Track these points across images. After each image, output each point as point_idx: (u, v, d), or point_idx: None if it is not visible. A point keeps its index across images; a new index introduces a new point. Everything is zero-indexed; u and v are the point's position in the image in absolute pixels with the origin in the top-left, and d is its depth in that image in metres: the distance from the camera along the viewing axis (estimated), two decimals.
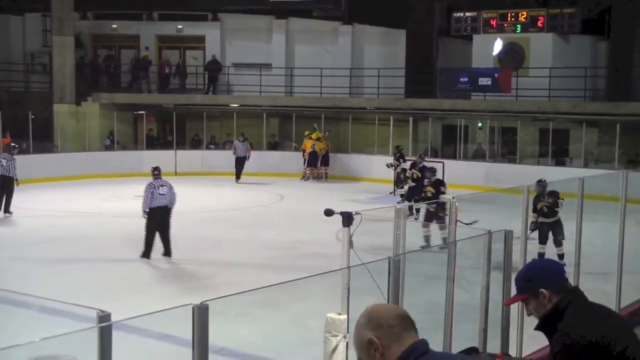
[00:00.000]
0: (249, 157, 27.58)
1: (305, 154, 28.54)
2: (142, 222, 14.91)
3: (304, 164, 28.50)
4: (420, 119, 29.40)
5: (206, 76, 32.25)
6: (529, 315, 3.73)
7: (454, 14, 29.17)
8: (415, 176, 19.51)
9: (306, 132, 29.04)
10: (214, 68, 31.85)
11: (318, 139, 28.65)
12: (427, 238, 15.11)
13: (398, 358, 2.75)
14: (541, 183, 14.42)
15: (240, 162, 27.43)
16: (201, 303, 3.70)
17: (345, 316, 6.91)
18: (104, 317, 3.65)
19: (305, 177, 28.27)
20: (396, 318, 2.80)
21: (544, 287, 3.59)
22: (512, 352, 7.14)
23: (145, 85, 31.79)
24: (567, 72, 26.02)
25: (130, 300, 11.31)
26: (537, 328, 3.68)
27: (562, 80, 26.13)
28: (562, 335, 3.44)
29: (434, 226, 15.11)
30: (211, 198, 23.99)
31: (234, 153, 27.49)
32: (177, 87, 32.59)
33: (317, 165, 28.55)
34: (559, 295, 3.58)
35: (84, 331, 3.79)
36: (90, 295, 11.08)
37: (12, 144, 21.19)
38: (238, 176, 27.30)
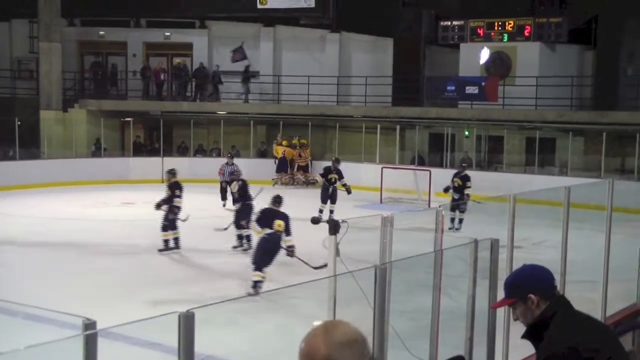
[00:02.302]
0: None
1: (276, 160, 28.76)
2: (126, 230, 14.98)
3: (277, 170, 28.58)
4: (407, 127, 29.45)
5: (193, 83, 32.23)
6: (515, 320, 3.73)
7: (441, 23, 29.28)
8: (457, 184, 19.94)
9: (280, 139, 29.15)
10: (200, 75, 31.82)
11: (289, 146, 28.69)
12: (452, 220, 18.34)
13: None
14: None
15: (224, 189, 23.15)
16: (187, 311, 3.68)
17: None
18: (89, 324, 3.63)
19: (275, 183, 28.00)
20: (366, 340, 2.57)
21: (533, 293, 3.59)
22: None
23: (204, 94, 31.81)
24: (554, 81, 26.16)
25: (116, 307, 11.26)
26: (524, 336, 3.69)
27: (549, 89, 26.25)
28: (548, 344, 3.46)
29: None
30: (197, 206, 23.91)
31: (219, 177, 23.39)
32: (191, 94, 32.50)
33: (287, 171, 28.55)
34: (547, 302, 3.58)
35: (69, 339, 3.77)
36: (75, 302, 11.02)
37: None
38: (224, 196, 23.11)
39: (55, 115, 29.67)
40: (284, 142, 28.92)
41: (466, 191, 19.51)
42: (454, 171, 26.13)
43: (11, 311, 10.00)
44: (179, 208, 16.00)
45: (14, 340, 7.69)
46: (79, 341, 3.62)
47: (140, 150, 31.35)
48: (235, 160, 25.81)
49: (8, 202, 22.42)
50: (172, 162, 29.07)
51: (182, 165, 28.92)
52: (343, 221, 6.80)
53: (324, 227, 6.86)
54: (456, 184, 19.76)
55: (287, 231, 12.96)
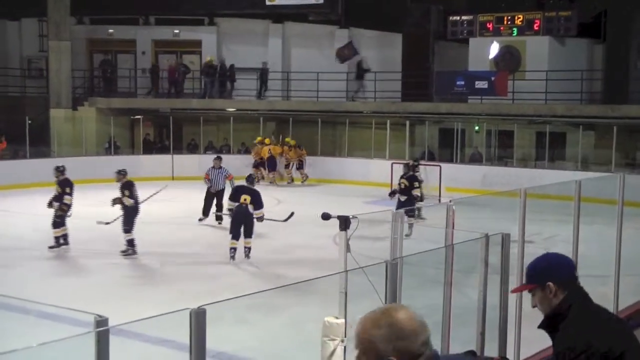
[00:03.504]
0: (233, 184, 18.38)
1: (258, 160, 28.36)
2: (137, 227, 15.04)
3: (265, 169, 28.23)
4: (417, 123, 29.40)
5: (202, 80, 32.23)
6: (533, 307, 3.73)
7: (450, 18, 29.19)
8: (403, 186, 17.80)
9: (258, 138, 28.95)
10: (210, 72, 31.79)
11: (271, 143, 28.56)
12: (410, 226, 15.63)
13: None
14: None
15: (211, 197, 19.68)
16: (198, 307, 3.69)
17: (343, 320, 6.91)
18: (101, 321, 3.64)
19: (270, 182, 27.84)
20: (420, 334, 2.53)
21: (552, 281, 3.59)
22: (510, 355, 7.13)
23: (213, 91, 31.57)
24: (564, 75, 26.05)
25: (126, 305, 11.29)
26: (541, 326, 3.67)
27: (559, 83, 26.16)
28: (563, 337, 3.45)
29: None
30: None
31: (207, 183, 19.82)
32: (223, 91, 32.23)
33: (276, 169, 28.40)
34: (565, 293, 3.58)
35: (81, 336, 3.78)
36: (85, 300, 11.04)
37: None
38: (206, 212, 19.55)
39: (65, 113, 29.74)
40: (267, 141, 28.69)
41: (414, 192, 17.53)
42: (464, 166, 26.15)
43: (23, 309, 10.05)
44: (68, 206, 15.98)
45: (27, 339, 7.71)
46: (90, 338, 3.63)
47: (150, 147, 31.40)
48: (243, 157, 25.65)
49: (18, 201, 22.49)
50: (182, 159, 29.25)
51: (192, 162, 29.05)
52: (353, 217, 6.80)
53: (335, 222, 6.86)
54: (402, 186, 17.69)
55: (257, 204, 15.12)
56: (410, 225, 15.88)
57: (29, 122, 27.53)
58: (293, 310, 10.88)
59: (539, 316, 3.78)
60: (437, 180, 23.37)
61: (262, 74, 31.36)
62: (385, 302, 5.64)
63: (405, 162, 18.55)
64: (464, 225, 7.33)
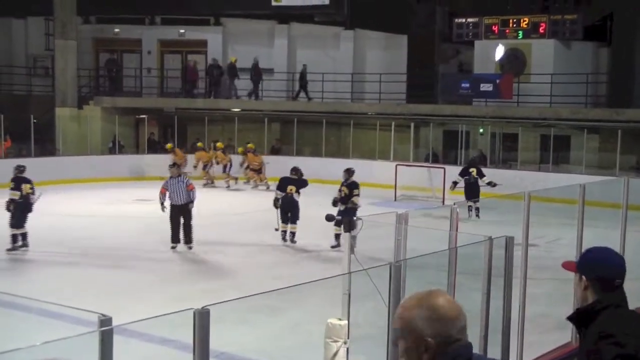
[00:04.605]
0: (193, 199, 16.16)
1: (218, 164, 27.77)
2: (140, 226, 15.00)
3: (224, 170, 27.64)
4: (421, 125, 29.39)
5: (207, 80, 32.25)
6: (574, 288, 3.64)
7: (456, 20, 29.20)
8: (344, 194, 16.55)
9: (218, 142, 28.50)
10: (215, 72, 31.82)
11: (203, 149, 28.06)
12: (337, 237, 15.66)
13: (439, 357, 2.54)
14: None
15: (176, 215, 16.04)
16: (202, 308, 3.70)
17: (346, 321, 6.92)
18: (105, 321, 3.65)
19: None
20: (458, 320, 2.56)
21: (587, 277, 3.51)
22: (513, 358, 7.14)
23: (234, 91, 31.47)
24: (569, 78, 26.03)
25: (130, 304, 11.30)
26: (570, 318, 3.58)
27: (564, 87, 26.14)
28: (590, 339, 3.35)
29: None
30: (212, 202, 24.01)
31: (161, 200, 16.33)
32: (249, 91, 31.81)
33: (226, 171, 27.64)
34: (601, 294, 3.48)
35: (84, 335, 3.79)
36: (89, 299, 11.06)
37: None
38: (176, 236, 16.05)
39: (70, 112, 29.79)
40: (199, 144, 28.32)
41: (353, 200, 16.25)
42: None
43: (26, 307, 10.07)
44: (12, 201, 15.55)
45: (29, 337, 7.74)
46: (94, 337, 3.65)
47: (155, 147, 31.41)
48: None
49: None
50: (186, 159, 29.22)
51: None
52: (358, 218, 6.81)
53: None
54: (343, 194, 16.45)
55: (302, 187, 17.30)
56: (337, 236, 15.65)
57: (35, 120, 27.56)
58: (296, 312, 10.89)
59: (542, 321, 3.78)
60: (441, 183, 23.34)
61: (301, 77, 31.03)
62: (389, 304, 5.65)
63: (346, 168, 17.20)
64: (467, 228, 7.33)
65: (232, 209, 22.51)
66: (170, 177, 16.30)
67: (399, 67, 30.12)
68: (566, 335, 7.96)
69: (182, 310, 3.72)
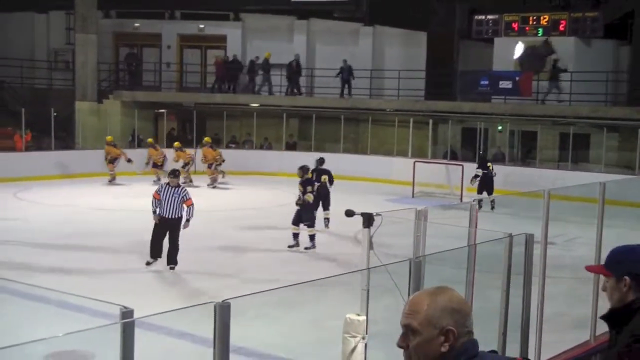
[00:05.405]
0: (189, 216, 14.02)
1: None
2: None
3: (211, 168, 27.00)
4: (440, 122, 29.34)
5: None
6: (603, 290, 3.46)
7: (475, 17, 29.10)
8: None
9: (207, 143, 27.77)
10: (234, 67, 31.88)
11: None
12: (295, 236, 15.93)
13: (447, 354, 2.58)
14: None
15: (162, 228, 13.83)
16: (223, 301, 3.72)
17: (365, 317, 6.93)
18: (126, 313, 3.68)
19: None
20: (470, 313, 2.64)
21: (630, 276, 3.29)
22: (532, 356, 7.13)
23: (267, 87, 31.45)
24: (589, 76, 25.89)
25: (147, 298, 11.37)
26: (603, 317, 3.44)
27: (584, 85, 26.01)
28: (627, 339, 3.24)
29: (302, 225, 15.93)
30: (231, 197, 24.10)
31: (154, 207, 13.95)
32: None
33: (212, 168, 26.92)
34: (636, 291, 3.29)
35: (103, 327, 3.83)
36: (109, 292, 11.11)
37: None
38: (156, 251, 13.84)
39: (90, 106, 29.95)
40: (149, 141, 27.89)
41: (305, 197, 15.90)
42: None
43: (45, 298, 10.14)
44: None
45: (48, 328, 7.78)
46: (114, 329, 3.68)
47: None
48: (265, 152, 24.81)
49: (42, 192, 22.69)
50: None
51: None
52: (377, 214, 6.82)
53: (358, 219, 6.88)
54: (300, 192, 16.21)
55: (331, 181, 18.39)
56: (312, 237, 15.86)
57: (55, 114, 27.73)
58: (314, 307, 10.91)
59: (560, 319, 3.77)
60: (459, 180, 23.30)
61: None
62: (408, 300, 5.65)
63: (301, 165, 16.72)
64: (485, 225, 7.32)
65: (255, 202, 22.57)
66: (167, 184, 14.04)
67: (418, 64, 30.05)
68: (584, 334, 7.94)
69: (204, 304, 3.75)
